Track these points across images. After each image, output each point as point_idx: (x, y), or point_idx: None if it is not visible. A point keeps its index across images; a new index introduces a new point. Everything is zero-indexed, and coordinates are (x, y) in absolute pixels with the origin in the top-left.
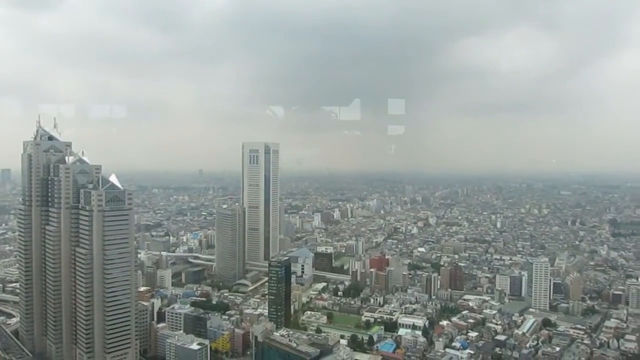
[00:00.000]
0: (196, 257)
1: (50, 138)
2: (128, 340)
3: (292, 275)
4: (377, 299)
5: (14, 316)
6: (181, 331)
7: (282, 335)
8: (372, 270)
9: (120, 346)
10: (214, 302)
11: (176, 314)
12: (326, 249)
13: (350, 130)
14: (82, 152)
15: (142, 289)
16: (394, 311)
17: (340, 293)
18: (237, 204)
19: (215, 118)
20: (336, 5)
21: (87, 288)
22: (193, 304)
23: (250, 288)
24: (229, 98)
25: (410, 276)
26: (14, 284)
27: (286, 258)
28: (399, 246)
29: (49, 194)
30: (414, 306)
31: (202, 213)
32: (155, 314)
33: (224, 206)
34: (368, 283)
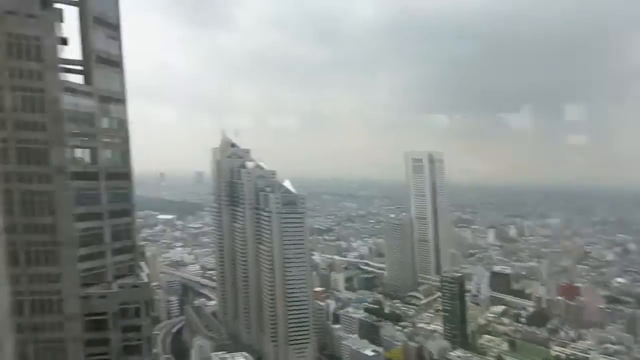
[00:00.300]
0: (367, 264)
1: (232, 145)
2: (307, 335)
3: (467, 294)
4: (567, 333)
5: (212, 299)
6: (355, 335)
7: (458, 357)
8: (560, 298)
9: (300, 339)
10: (386, 311)
11: (351, 317)
12: (503, 268)
13: (521, 139)
14: (259, 158)
15: (317, 289)
16: (590, 349)
17: (522, 319)
18: (403, 214)
19: (375, 126)
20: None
21: (270, 283)
22: (366, 310)
23: (423, 302)
24: (388, 106)
25: (608, 311)
26: (211, 271)
27: (459, 275)
28: (591, 274)
29: (234, 195)
30: (615, 347)
31: (370, 221)
32: (330, 315)
33: (392, 215)
34: (556, 313)
